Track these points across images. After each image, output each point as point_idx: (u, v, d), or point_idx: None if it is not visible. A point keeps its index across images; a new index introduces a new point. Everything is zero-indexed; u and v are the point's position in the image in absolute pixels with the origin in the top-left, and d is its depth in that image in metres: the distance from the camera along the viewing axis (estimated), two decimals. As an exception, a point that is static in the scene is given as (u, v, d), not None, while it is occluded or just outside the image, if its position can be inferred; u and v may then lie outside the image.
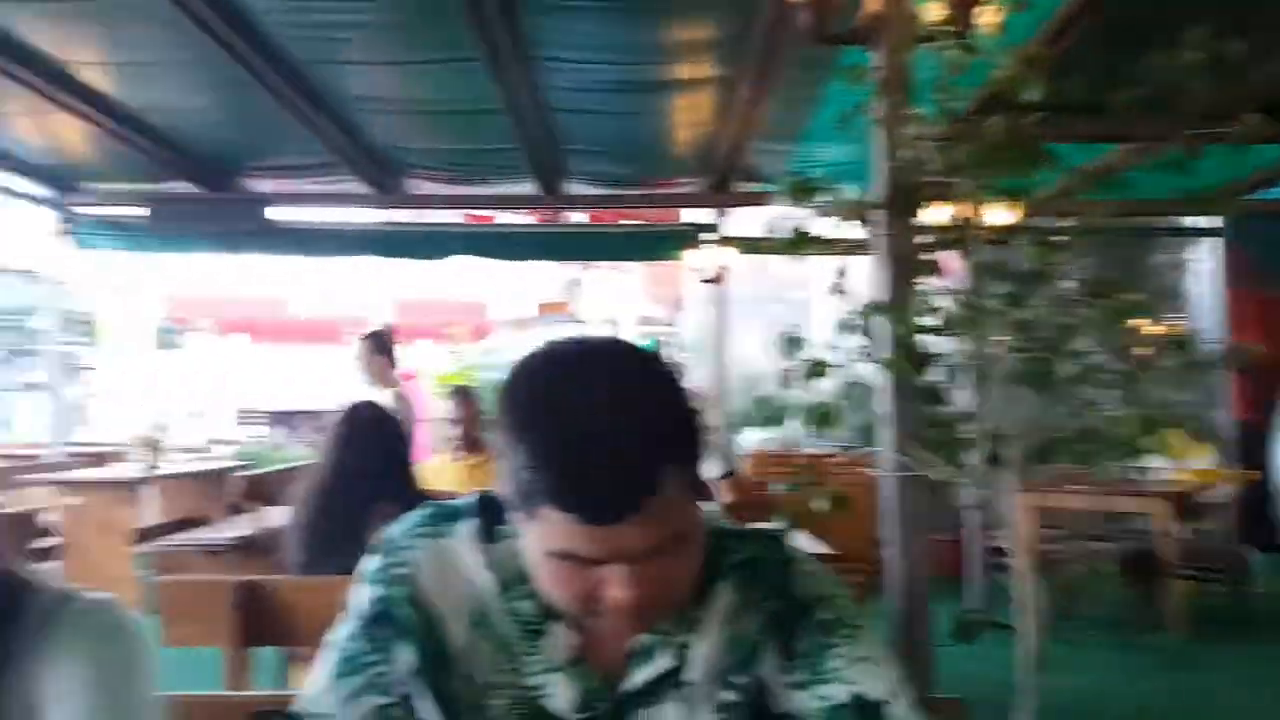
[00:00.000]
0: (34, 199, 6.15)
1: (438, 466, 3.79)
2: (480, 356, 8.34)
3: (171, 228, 5.94)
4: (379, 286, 8.56)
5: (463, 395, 3.81)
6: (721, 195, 6.04)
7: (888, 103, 2.24)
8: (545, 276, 10.84)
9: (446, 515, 0.96)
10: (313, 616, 2.08)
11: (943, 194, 2.17)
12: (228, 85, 4.45)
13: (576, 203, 6.40)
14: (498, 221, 7.13)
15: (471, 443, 3.73)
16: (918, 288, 2.20)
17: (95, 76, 4.50)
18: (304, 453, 8.24)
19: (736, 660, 0.90)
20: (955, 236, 2.19)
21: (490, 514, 0.94)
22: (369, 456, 2.27)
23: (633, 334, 10.59)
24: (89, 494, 5.32)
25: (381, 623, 0.92)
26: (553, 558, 0.81)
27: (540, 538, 0.80)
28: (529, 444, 0.79)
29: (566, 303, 11.15)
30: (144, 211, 6.07)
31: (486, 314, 9.56)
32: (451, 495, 2.75)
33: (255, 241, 6.10)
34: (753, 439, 6.08)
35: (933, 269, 2.21)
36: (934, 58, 2.10)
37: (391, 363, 4.54)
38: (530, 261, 7.18)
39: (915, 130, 2.15)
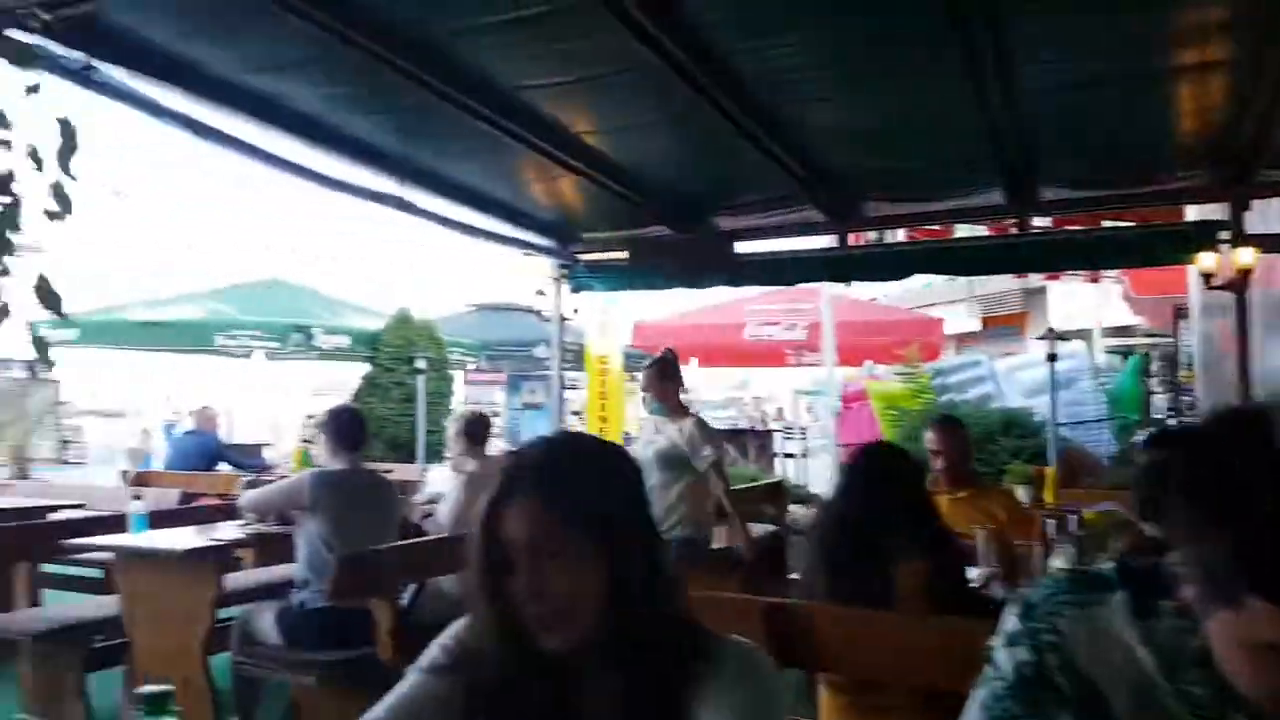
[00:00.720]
0: (540, 249, 7.27)
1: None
2: (934, 377, 8.02)
3: (649, 268, 6.63)
4: (819, 307, 8.69)
5: (946, 425, 3.62)
6: (1241, 187, 5.13)
7: None
8: (998, 287, 10.15)
9: (1092, 584, 0.93)
10: (840, 644, 2.15)
11: None
12: (703, 135, 4.82)
13: (1048, 208, 5.91)
14: (955, 235, 6.86)
15: (956, 476, 3.51)
16: None
17: (593, 140, 5.15)
18: (753, 470, 8.70)
19: None
20: None
21: (1139, 586, 0.89)
22: (887, 495, 2.30)
23: (1107, 347, 9.50)
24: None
25: (1035, 687, 0.90)
26: (1259, 650, 0.74)
27: (1244, 628, 0.74)
28: (1241, 529, 0.73)
29: (1024, 315, 10.32)
30: (624, 255, 6.85)
31: (936, 330, 9.20)
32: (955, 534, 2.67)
33: (722, 275, 6.55)
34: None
35: None
36: None
37: (679, 389, 4.41)
38: (995, 274, 6.77)
39: None
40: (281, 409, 15.56)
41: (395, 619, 3.21)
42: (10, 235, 1.82)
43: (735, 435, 9.89)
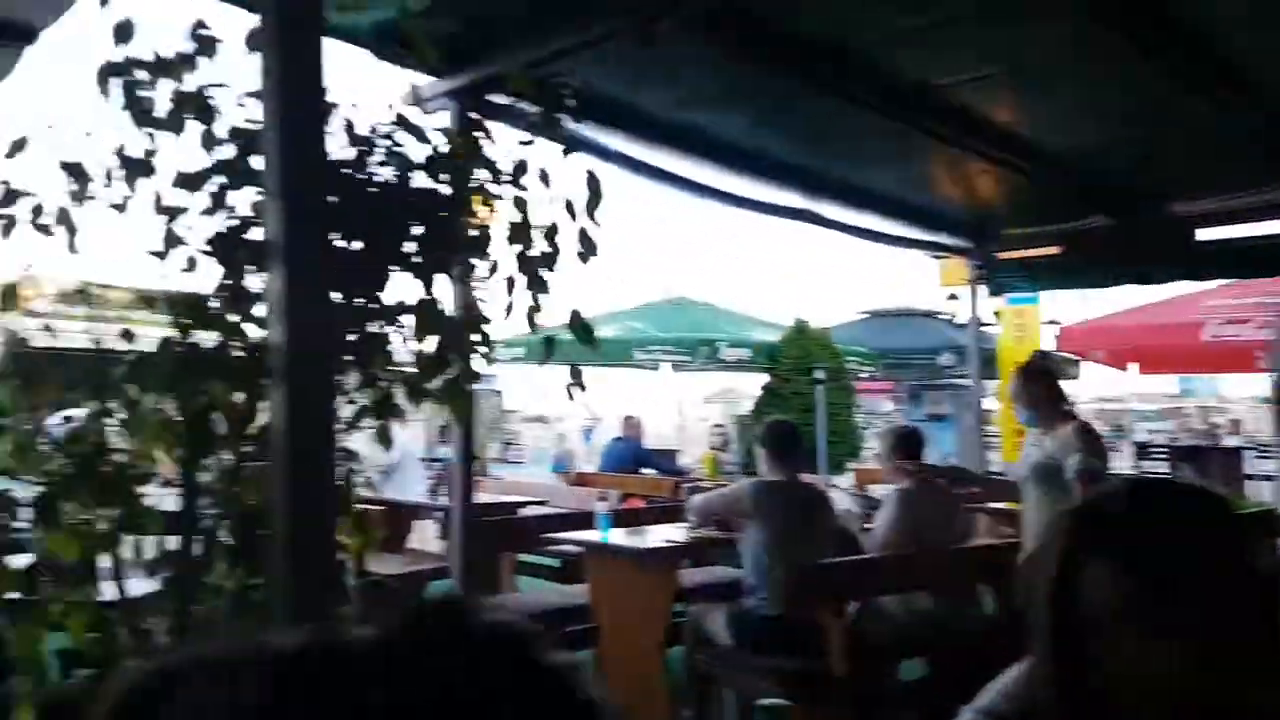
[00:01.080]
0: (954, 250, 6.92)
1: None
2: None
3: (1087, 264, 5.99)
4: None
5: None
6: None
7: None
8: None
9: None
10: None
11: None
12: (1159, 113, 4.29)
13: None
14: None
15: None
16: None
17: (1019, 130, 4.78)
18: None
19: None
20: None
21: None
22: None
23: None
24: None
25: None
26: None
27: None
28: None
29: None
30: (1054, 250, 6.26)
31: None
32: None
33: (1181, 268, 5.73)
34: None
35: None
36: None
37: (1054, 395, 3.78)
38: None
39: None
40: (680, 415, 16.61)
41: (848, 634, 3.20)
42: (544, 275, 2.11)
43: (1194, 454, 8.53)
